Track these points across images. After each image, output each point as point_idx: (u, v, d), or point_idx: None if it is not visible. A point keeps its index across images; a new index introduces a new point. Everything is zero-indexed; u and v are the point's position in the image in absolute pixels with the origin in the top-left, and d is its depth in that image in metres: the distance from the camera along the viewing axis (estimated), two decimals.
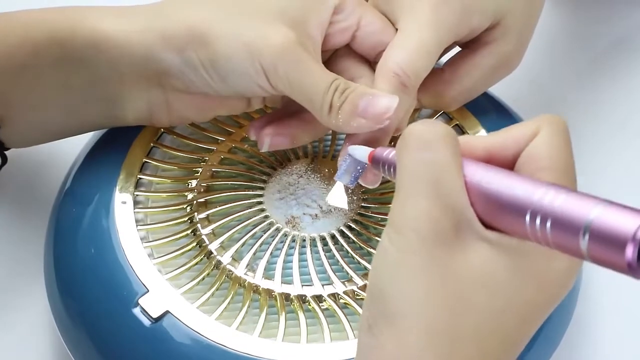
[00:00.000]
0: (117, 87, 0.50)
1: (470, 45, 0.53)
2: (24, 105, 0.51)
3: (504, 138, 0.38)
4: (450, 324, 0.36)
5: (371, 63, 0.52)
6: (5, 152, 0.54)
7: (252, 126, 0.52)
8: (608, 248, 0.32)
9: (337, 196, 0.50)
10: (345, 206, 0.51)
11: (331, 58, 0.52)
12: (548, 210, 0.34)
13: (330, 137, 0.56)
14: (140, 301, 0.48)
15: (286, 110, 0.52)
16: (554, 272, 0.37)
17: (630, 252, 0.31)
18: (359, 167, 0.47)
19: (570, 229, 0.33)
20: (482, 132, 0.55)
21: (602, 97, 0.66)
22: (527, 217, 0.34)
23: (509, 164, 0.38)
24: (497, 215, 0.36)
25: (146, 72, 0.49)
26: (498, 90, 0.57)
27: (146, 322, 0.47)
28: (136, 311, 0.48)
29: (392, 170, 0.43)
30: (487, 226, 0.37)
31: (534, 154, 0.37)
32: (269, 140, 0.51)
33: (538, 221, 0.34)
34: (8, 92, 0.50)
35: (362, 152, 0.46)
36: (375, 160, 0.44)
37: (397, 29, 0.51)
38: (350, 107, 0.47)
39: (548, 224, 0.34)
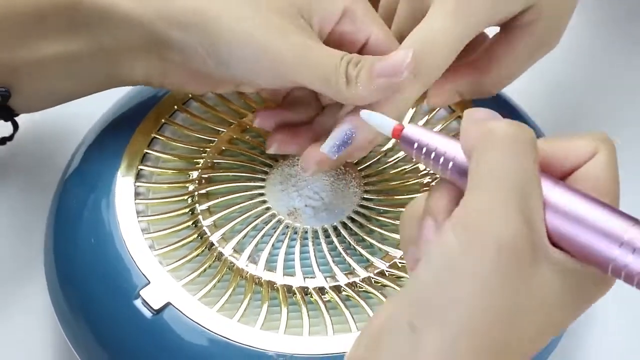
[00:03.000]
0: (118, 55, 0.50)
1: (505, 28, 0.52)
2: (31, 73, 0.51)
3: (566, 150, 0.38)
4: (502, 339, 0.35)
5: None
6: (15, 118, 0.54)
7: (258, 116, 0.52)
8: None
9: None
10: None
11: None
12: None
13: None
14: (141, 293, 0.47)
15: (294, 110, 0.51)
16: (592, 297, 0.37)
17: None
18: (348, 141, 0.47)
19: None
20: None
21: (603, 89, 0.66)
22: (617, 252, 0.34)
23: (562, 175, 0.38)
24: (571, 240, 0.36)
25: (147, 44, 0.49)
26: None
27: (147, 313, 0.47)
28: (137, 303, 0.47)
29: (430, 156, 0.39)
30: (553, 243, 0.36)
31: (595, 175, 0.37)
32: (277, 145, 0.51)
33: (628, 259, 0.34)
34: (15, 60, 0.50)
35: (382, 122, 0.41)
36: (407, 139, 0.40)
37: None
38: (367, 73, 0.46)
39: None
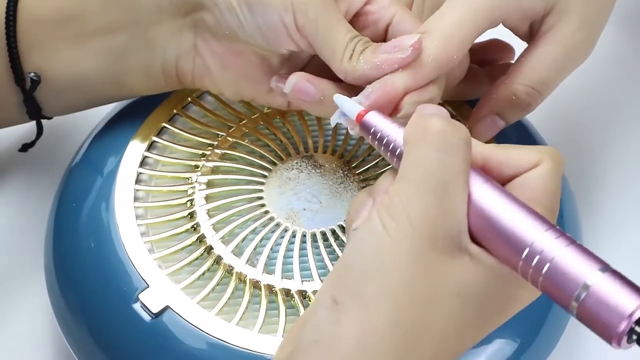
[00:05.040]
0: (154, 29, 0.51)
1: (531, 36, 0.51)
2: (65, 58, 0.51)
3: (507, 157, 0.39)
4: (418, 321, 0.37)
5: None
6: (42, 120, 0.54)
7: (277, 75, 0.51)
8: (599, 316, 0.32)
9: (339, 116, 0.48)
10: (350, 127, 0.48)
11: None
12: (548, 256, 0.34)
13: (330, 132, 0.56)
14: (140, 296, 0.48)
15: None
16: (518, 299, 0.39)
17: (621, 328, 0.32)
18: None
19: (566, 284, 0.33)
20: None
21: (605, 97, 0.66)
22: (524, 254, 0.35)
23: (501, 181, 0.39)
24: (489, 237, 0.37)
25: (184, 6, 0.50)
26: None
27: (146, 317, 0.47)
28: (136, 306, 0.48)
29: (382, 143, 0.42)
30: (474, 238, 0.37)
31: (532, 184, 0.38)
32: (295, 80, 0.49)
33: (534, 262, 0.35)
34: (51, 43, 0.51)
35: (350, 107, 0.45)
36: (365, 125, 0.43)
37: None
38: (372, 49, 0.47)
39: (544, 269, 0.34)
